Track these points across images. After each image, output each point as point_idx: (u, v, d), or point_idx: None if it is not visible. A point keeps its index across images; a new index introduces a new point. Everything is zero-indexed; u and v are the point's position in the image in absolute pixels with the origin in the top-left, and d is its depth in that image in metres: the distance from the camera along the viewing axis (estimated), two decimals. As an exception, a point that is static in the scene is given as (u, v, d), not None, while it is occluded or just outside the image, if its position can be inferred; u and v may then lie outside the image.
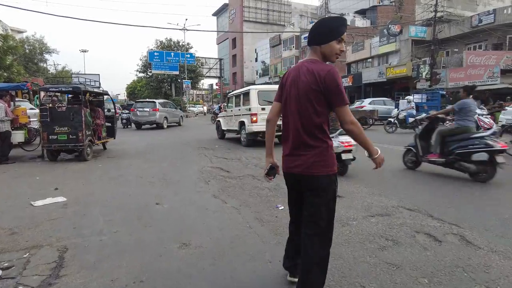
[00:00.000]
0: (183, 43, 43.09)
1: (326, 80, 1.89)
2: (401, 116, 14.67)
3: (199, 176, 6.18)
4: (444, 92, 20.41)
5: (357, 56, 34.71)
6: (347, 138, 5.56)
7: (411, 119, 13.47)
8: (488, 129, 10.18)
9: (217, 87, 51.98)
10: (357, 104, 21.33)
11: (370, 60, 33.21)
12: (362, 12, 41.76)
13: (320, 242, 2.00)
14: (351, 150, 5.65)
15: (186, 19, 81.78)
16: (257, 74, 53.08)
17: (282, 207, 4.21)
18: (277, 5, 57.73)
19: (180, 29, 37.00)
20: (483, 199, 4.62)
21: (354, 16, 41.48)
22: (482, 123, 10.26)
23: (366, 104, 20.62)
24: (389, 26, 28.95)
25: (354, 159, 5.81)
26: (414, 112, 14.66)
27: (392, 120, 15.01)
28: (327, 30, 1.99)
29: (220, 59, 49.24)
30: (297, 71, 2.03)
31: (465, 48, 24.18)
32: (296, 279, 2.28)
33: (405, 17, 33.95)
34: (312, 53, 2.05)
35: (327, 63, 2.01)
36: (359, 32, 39.32)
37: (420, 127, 6.63)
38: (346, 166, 5.90)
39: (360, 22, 40.88)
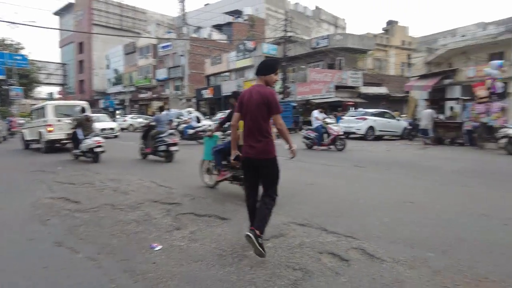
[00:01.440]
0: (12, 42, 35.29)
1: (269, 98, 2.92)
2: (180, 127, 14.19)
3: (31, 213, 4.41)
4: (295, 104, 22.68)
5: (215, 69, 35.50)
6: (98, 138, 8.87)
7: (190, 131, 13.89)
8: (338, 135, 11.52)
9: (60, 95, 44.58)
10: (219, 115, 21.46)
11: (228, 73, 34.45)
12: (218, 27, 43.22)
13: (272, 198, 3.08)
14: (101, 145, 8.85)
15: (16, 13, 68.01)
16: (109, 82, 48.20)
17: (160, 247, 3.21)
18: (132, 11, 54.17)
19: (9, 23, 29.92)
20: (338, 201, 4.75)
21: (211, 30, 42.54)
22: (331, 131, 11.48)
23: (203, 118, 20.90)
24: (245, 42, 30.73)
25: (104, 151, 9.02)
26: (194, 123, 14.72)
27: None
28: (269, 67, 3.05)
29: (64, 64, 42.47)
30: (250, 92, 3.01)
31: (308, 66, 27.68)
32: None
33: (257, 35, 36.84)
34: (259, 81, 3.05)
35: (268, 87, 3.03)
36: (217, 46, 40.51)
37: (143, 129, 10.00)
38: (97, 155, 8.97)
39: (217, 37, 42.21)
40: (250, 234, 2.81)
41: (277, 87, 24.54)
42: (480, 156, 10.28)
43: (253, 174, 3.10)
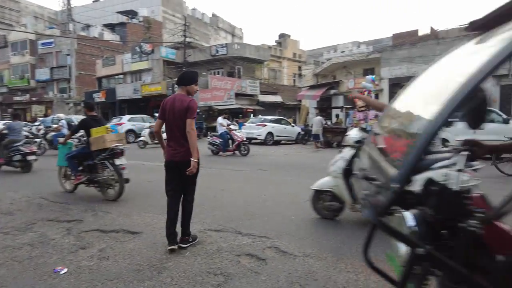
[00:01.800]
0: None
1: (189, 105, 3.21)
2: (48, 136, 13.20)
3: None
4: (198, 110, 22.52)
5: (108, 71, 32.84)
6: (31, 146, 8.41)
7: (61, 139, 12.73)
8: (242, 141, 11.95)
9: None
10: (115, 121, 19.96)
11: (122, 76, 32.25)
12: (111, 27, 40.13)
13: (192, 201, 3.49)
14: (35, 153, 8.34)
15: None
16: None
17: (66, 270, 2.88)
18: (-2, -2, 46.11)
19: None
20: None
21: (103, 29, 39.26)
22: (236, 137, 11.88)
23: (125, 121, 19.68)
24: (142, 44, 29.30)
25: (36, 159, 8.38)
26: (65, 131, 13.31)
27: None
28: (190, 78, 3.40)
29: None
30: (173, 100, 3.29)
31: (209, 73, 27.92)
32: (174, 247, 3.28)
33: (154, 38, 35.51)
34: (181, 90, 3.35)
35: (190, 96, 3.33)
36: (109, 47, 37.58)
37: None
38: (30, 164, 8.28)
39: (109, 36, 39.15)
40: (183, 245, 3.34)
41: (178, 92, 24.02)
42: (322, 155, 11.97)
43: (176, 177, 3.34)
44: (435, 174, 1.34)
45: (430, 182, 1.18)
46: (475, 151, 1.51)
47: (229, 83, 25.77)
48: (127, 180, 5.32)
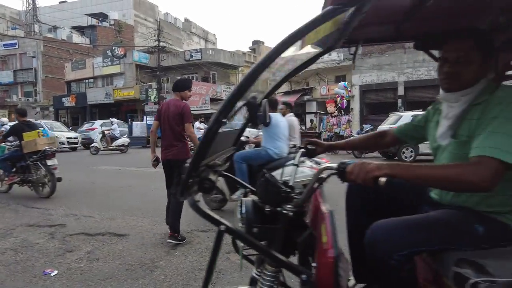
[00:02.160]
0: None
1: (183, 110, 3.56)
2: None
3: None
4: (172, 115, 22.37)
5: (78, 75, 31.83)
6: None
7: None
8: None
9: None
10: (86, 126, 19.43)
11: (92, 80, 31.38)
12: (80, 29, 38.94)
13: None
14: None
15: None
16: None
17: (56, 272, 2.87)
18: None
19: None
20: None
21: (71, 32, 38.02)
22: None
23: (97, 126, 19.18)
24: (113, 48, 28.68)
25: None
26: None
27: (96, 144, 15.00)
28: (184, 85, 3.70)
29: None
30: (168, 104, 3.67)
31: (184, 78, 27.75)
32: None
33: (125, 42, 34.86)
34: (176, 96, 3.70)
35: (183, 101, 3.67)
36: (79, 50, 36.48)
37: None
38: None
39: (79, 39, 37.98)
40: (171, 241, 3.51)
41: (152, 97, 23.79)
42: (336, 160, 12.37)
43: (172, 174, 3.65)
44: (286, 169, 1.77)
45: (262, 175, 1.40)
46: (315, 149, 1.81)
47: (204, 88, 25.76)
48: (59, 179, 5.87)
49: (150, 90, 23.29)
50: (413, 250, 1.26)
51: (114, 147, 15.06)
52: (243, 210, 1.36)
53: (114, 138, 15.33)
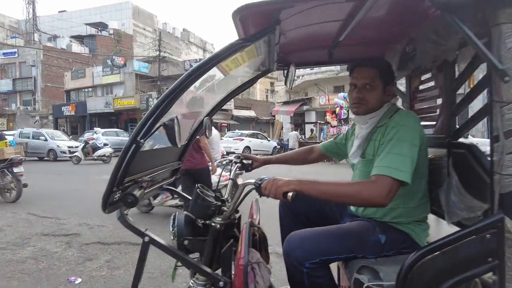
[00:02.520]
0: None
1: None
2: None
3: None
4: (172, 124, 22.51)
5: (78, 84, 31.93)
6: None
7: None
8: (222, 155, 12.15)
9: None
10: (87, 135, 19.45)
11: (92, 89, 31.48)
12: (79, 38, 39.20)
13: None
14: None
15: None
16: None
17: (80, 280, 2.95)
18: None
19: None
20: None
21: (71, 41, 38.26)
22: (216, 151, 12.08)
23: (99, 135, 19.23)
24: (113, 57, 28.87)
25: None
26: None
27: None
28: None
29: None
30: None
31: (183, 87, 27.94)
32: None
33: (124, 51, 35.13)
34: None
35: None
36: (78, 59, 36.67)
37: None
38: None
39: (78, 48, 38.21)
40: None
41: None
42: (337, 169, 12.51)
43: (191, 183, 3.79)
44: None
45: (195, 189, 1.55)
46: (252, 164, 1.97)
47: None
48: (25, 185, 6.36)
49: (150, 99, 23.43)
50: (324, 259, 1.37)
51: (96, 157, 14.78)
52: (175, 224, 1.49)
53: (96, 148, 15.03)
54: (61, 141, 17.14)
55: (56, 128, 27.18)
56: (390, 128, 1.38)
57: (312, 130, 18.67)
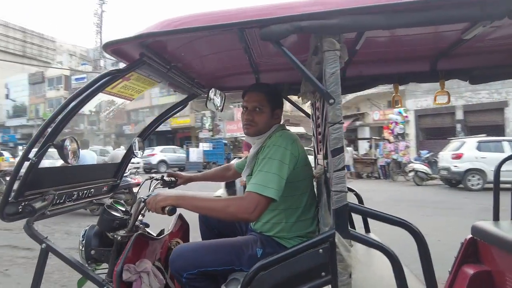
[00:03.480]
0: None
1: None
2: None
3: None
4: (226, 141, 23.24)
5: (137, 105, 34.33)
6: None
7: None
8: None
9: None
10: (147, 152, 20.73)
11: (149, 109, 33.63)
12: (139, 63, 42.30)
13: None
14: None
15: None
16: (8, 114, 42.58)
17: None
18: (38, 38, 49.72)
19: None
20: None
21: (132, 65, 41.44)
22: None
23: (158, 152, 20.41)
24: (170, 79, 30.69)
25: None
26: None
27: None
28: None
29: None
30: None
31: (235, 105, 28.82)
32: None
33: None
34: None
35: None
36: (138, 81, 39.46)
37: None
38: None
39: (138, 72, 41.19)
40: None
41: (207, 124, 24.96)
42: (395, 187, 12.00)
43: None
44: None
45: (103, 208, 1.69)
46: (176, 181, 2.13)
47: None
48: None
49: (204, 118, 24.46)
50: (202, 270, 1.44)
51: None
52: (84, 235, 1.67)
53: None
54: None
55: (118, 146, 29.33)
56: (265, 148, 1.47)
57: (370, 146, 18.00)
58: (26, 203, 1.50)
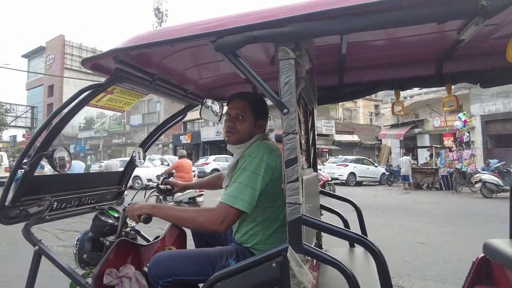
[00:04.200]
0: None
1: None
2: None
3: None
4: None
5: (192, 116, 35.84)
6: None
7: None
8: (327, 180, 12.00)
9: (24, 139, 42.67)
10: (201, 161, 21.55)
11: (204, 120, 35.02)
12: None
13: None
14: None
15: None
16: (80, 128, 47.11)
17: None
18: (105, 57, 54.44)
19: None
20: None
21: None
22: (321, 176, 11.96)
23: (211, 161, 21.12)
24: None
25: None
26: None
27: None
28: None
29: (33, 107, 41.29)
30: None
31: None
32: None
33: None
34: None
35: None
36: (193, 93, 41.36)
37: None
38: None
39: (193, 84, 43.21)
40: None
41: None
42: (459, 199, 11.08)
43: None
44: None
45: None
46: (172, 189, 2.16)
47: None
48: None
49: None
50: (177, 279, 1.45)
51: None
52: (78, 240, 1.77)
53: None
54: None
55: (175, 154, 30.89)
56: (242, 158, 1.46)
57: (431, 155, 16.82)
58: (22, 208, 1.59)
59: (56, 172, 1.77)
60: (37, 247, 1.66)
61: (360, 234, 1.17)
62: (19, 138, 42.58)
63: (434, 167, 14.82)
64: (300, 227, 1.11)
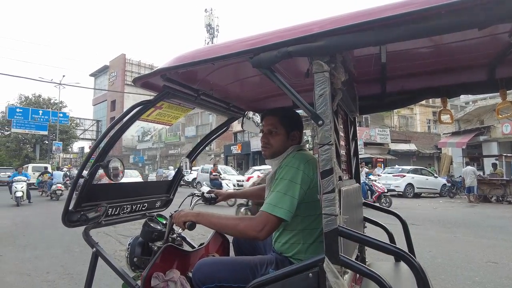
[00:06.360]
0: (56, 101, 37.96)
1: None
2: None
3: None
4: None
5: (239, 127, 36.66)
6: None
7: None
8: (383, 192, 11.42)
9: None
10: (251, 170, 21.80)
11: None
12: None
13: None
14: None
15: (64, 76, 74.22)
16: (138, 139, 50.39)
17: None
18: (162, 73, 57.96)
19: (56, 84, 32.56)
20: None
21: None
22: (377, 188, 11.43)
23: (255, 176, 21.30)
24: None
25: None
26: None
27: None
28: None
29: (98, 121, 45.09)
30: None
31: (335, 123, 28.32)
32: None
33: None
34: None
35: None
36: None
37: None
38: None
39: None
40: None
41: (307, 144, 24.99)
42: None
43: None
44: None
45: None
46: (217, 198, 2.25)
47: (358, 132, 25.42)
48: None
49: (304, 136, 24.59)
50: (219, 285, 1.51)
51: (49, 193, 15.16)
52: (129, 244, 1.88)
53: (51, 185, 15.28)
54: (231, 176, 19.72)
55: (226, 164, 31.63)
56: (280, 168, 1.49)
57: (495, 165, 15.32)
58: (82, 213, 1.74)
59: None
60: (94, 249, 1.80)
61: (399, 247, 1.11)
62: (86, 150, 46.76)
63: (504, 178, 13.41)
64: (337, 238, 1.10)
